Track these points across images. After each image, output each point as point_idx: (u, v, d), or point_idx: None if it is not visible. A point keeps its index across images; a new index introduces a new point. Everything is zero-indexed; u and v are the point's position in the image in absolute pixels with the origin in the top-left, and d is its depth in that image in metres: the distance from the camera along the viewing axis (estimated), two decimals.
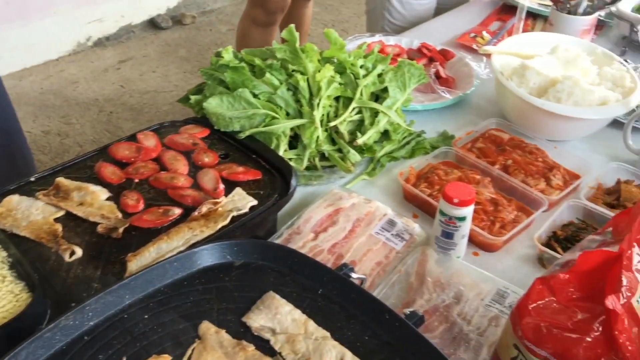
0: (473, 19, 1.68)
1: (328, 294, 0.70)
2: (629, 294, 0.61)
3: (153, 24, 3.53)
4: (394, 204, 1.05)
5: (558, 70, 1.17)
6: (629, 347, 0.57)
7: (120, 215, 0.88)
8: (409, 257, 0.91)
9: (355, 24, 3.65)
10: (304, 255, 0.73)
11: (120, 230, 0.84)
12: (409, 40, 1.48)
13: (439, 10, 1.87)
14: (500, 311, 0.82)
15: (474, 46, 1.50)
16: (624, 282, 0.60)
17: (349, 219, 0.97)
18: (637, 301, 0.61)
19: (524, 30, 1.49)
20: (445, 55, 1.42)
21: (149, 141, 1.02)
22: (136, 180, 0.95)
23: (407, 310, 0.70)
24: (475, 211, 0.95)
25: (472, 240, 0.96)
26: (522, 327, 0.62)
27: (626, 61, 1.33)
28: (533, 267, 0.94)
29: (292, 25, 1.12)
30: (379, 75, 1.15)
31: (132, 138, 1.03)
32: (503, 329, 0.69)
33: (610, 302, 0.56)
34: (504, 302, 0.83)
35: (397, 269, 0.89)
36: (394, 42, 1.47)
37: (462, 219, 0.89)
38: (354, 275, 0.73)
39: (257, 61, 1.11)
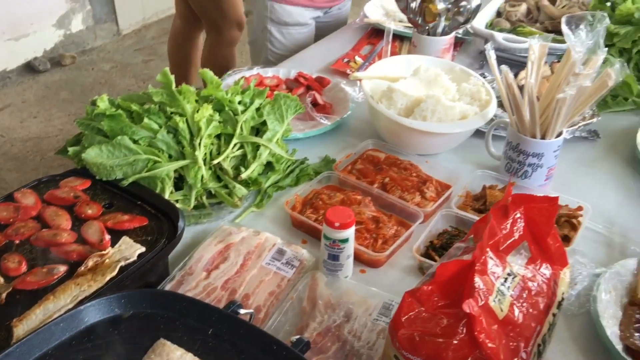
0: (346, 44, 1.77)
1: (218, 333, 0.72)
2: (486, 296, 0.68)
3: (30, 68, 3.39)
4: (283, 232, 1.09)
5: (421, 90, 1.27)
6: (489, 345, 0.64)
7: (1, 280, 0.85)
8: (300, 283, 0.95)
9: (241, 52, 3.70)
10: (191, 299, 0.75)
11: (3, 295, 0.82)
12: (286, 70, 1.54)
13: (318, 37, 1.94)
14: (386, 323, 0.88)
15: (348, 71, 1.58)
16: (480, 286, 0.67)
17: (239, 253, 1.00)
18: (494, 301, 0.69)
19: (393, 53, 1.59)
20: (321, 83, 1.49)
21: (28, 199, 1.00)
22: (17, 242, 0.92)
23: (294, 338, 0.74)
24: (358, 230, 1.01)
25: (358, 259, 1.01)
26: (398, 338, 0.67)
27: (484, 75, 1.46)
28: (415, 277, 1.01)
29: (167, 69, 1.14)
30: (257, 110, 1.19)
31: (9, 198, 1.00)
32: (385, 342, 0.74)
33: (467, 306, 0.63)
34: (390, 314, 0.89)
35: (290, 296, 0.93)
36: (272, 73, 1.52)
37: (345, 240, 0.94)
38: (242, 311, 0.76)
39: (134, 107, 1.11)
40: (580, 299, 0.95)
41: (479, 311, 0.64)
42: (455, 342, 0.65)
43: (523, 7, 1.79)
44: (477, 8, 1.52)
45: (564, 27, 1.09)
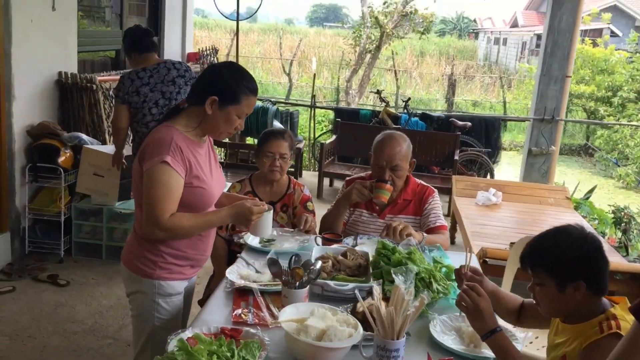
0: (224, 308, 2.42)
1: None
2: None
3: None
4: None
5: (321, 323, 2.02)
6: None
7: None
8: None
9: None
10: None
11: None
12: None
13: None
14: None
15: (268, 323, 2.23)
16: None
17: None
18: None
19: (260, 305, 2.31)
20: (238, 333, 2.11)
21: None
22: None
23: None
24: None
25: None
26: None
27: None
28: None
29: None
30: None
31: None
32: None
33: None
34: None
35: None
36: None
37: None
38: None
39: None
40: None
41: None
42: None
43: (330, 262, 2.72)
44: (320, 269, 2.39)
45: (395, 277, 2.01)
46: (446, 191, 7.02)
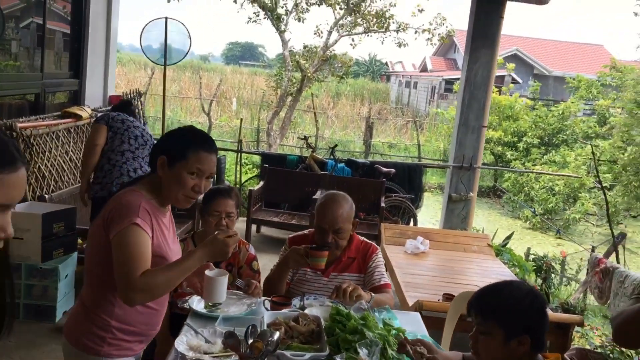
0: None
1: None
2: None
3: None
4: None
5: None
6: None
7: None
8: None
9: None
10: None
11: None
12: None
13: None
14: None
15: None
16: None
17: None
18: None
19: None
20: None
21: None
22: None
23: None
24: None
25: None
26: None
27: None
28: None
29: None
30: None
31: None
32: None
33: None
34: None
35: None
36: None
37: None
38: None
39: None
40: None
41: None
42: None
43: (282, 329, 2.67)
44: (278, 341, 2.34)
45: (359, 349, 2.01)
46: (372, 237, 7.16)
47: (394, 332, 2.71)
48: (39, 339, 4.16)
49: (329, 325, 2.61)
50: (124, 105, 4.79)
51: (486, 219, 13.14)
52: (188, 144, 2.29)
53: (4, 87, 5.53)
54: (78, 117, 5.92)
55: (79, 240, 5.10)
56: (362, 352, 2.04)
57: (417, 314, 3.24)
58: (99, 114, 4.67)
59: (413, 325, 2.99)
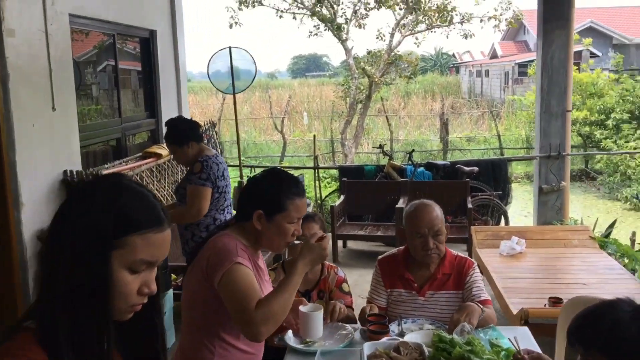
0: None
1: None
2: None
3: None
4: None
5: None
6: None
7: None
8: None
9: None
10: None
11: None
12: None
13: None
14: None
15: None
16: None
17: None
18: None
19: None
20: None
21: None
22: None
23: None
24: None
25: None
26: None
27: None
28: None
29: None
30: None
31: None
32: None
33: None
34: None
35: None
36: None
37: None
38: None
39: None
40: None
41: None
42: None
43: None
44: None
45: None
46: (461, 240, 6.90)
47: (503, 353, 2.53)
48: None
49: (434, 354, 2.46)
50: (195, 126, 4.24)
51: (582, 205, 12.42)
52: (283, 194, 2.27)
53: (91, 137, 5.77)
54: (158, 156, 6.07)
55: (173, 276, 5.21)
56: None
57: (526, 329, 3.01)
58: (205, 161, 4.03)
59: (522, 342, 2.78)
